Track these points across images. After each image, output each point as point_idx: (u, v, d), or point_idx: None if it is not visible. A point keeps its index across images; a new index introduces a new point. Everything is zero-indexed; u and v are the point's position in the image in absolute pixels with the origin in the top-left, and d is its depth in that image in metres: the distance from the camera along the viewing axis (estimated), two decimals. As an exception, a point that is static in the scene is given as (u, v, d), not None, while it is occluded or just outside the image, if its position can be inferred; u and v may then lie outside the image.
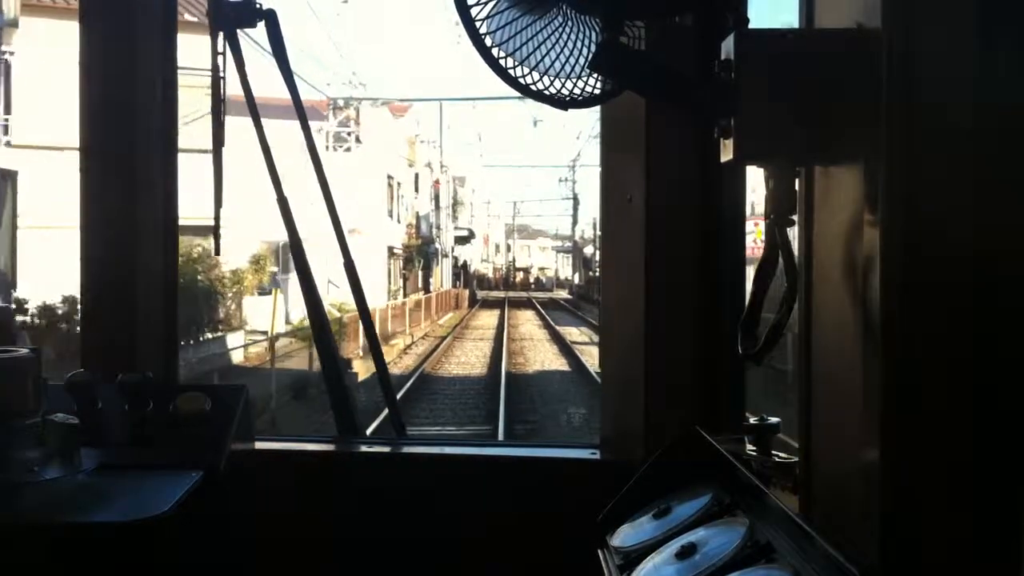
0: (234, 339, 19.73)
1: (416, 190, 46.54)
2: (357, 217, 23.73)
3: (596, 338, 23.06)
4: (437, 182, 53.05)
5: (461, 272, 65.53)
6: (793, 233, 1.29)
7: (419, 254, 44.07)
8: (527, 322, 38.86)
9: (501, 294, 73.20)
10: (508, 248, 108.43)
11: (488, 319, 40.58)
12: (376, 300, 25.58)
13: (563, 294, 75.52)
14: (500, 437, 12.84)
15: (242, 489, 1.99)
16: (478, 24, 1.36)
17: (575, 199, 71.51)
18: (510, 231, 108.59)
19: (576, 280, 70.80)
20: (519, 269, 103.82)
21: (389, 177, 37.56)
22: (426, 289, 44.45)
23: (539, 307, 48.93)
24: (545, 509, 2.12)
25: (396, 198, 40.35)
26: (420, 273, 44.94)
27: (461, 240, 66.19)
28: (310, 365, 17.10)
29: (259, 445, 2.25)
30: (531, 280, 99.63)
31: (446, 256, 55.56)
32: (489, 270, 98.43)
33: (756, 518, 1.30)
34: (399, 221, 40.44)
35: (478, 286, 79.93)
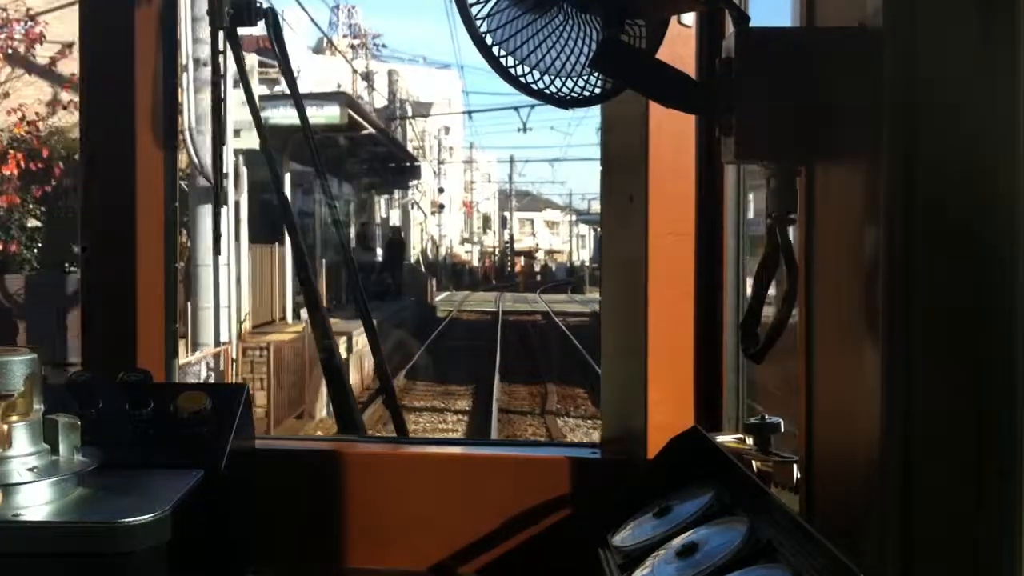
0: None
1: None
2: None
3: None
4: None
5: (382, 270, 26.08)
6: (793, 233, 1.29)
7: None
8: None
9: (490, 303, 38.29)
10: (504, 222, 74.47)
11: None
12: None
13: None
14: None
15: (242, 489, 1.99)
16: (478, 23, 1.36)
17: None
18: (504, 199, 74.56)
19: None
20: (519, 253, 72.06)
21: None
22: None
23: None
24: (545, 508, 2.12)
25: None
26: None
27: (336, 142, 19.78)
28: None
29: (259, 445, 2.25)
30: (536, 269, 66.77)
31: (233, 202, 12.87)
32: (474, 255, 68.24)
33: (757, 517, 1.30)
34: None
35: (454, 283, 50.09)
